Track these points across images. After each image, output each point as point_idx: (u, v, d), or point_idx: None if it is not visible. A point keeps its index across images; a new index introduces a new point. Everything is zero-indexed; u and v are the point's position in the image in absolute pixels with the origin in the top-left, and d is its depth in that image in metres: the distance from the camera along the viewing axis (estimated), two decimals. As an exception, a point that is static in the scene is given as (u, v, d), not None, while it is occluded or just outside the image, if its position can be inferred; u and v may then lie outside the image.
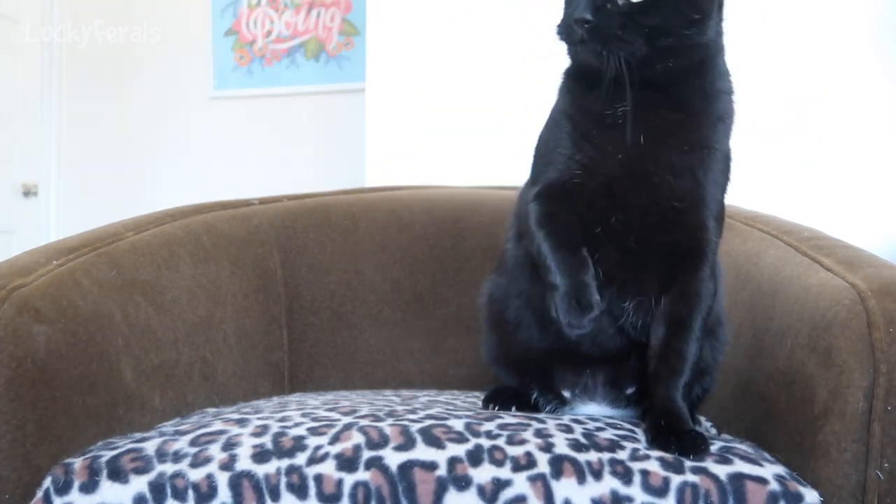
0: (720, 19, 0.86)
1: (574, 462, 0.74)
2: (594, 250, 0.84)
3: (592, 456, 0.75)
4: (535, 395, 0.95)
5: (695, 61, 0.83)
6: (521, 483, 0.72)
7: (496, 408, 0.92)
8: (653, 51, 0.78)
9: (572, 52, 0.83)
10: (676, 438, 0.78)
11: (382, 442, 0.76)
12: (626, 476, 0.73)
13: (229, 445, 0.78)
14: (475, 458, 0.74)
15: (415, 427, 0.79)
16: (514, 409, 0.92)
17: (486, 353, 1.00)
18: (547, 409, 0.94)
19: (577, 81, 0.86)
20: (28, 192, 3.40)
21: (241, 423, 0.83)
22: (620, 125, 0.81)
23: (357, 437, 0.77)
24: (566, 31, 0.81)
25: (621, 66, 0.77)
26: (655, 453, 0.76)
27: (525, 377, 0.95)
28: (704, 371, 0.91)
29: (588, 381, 0.91)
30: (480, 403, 0.97)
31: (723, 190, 0.87)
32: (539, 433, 0.79)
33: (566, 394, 0.93)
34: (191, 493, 0.74)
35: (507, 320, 0.95)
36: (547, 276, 0.83)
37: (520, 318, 0.94)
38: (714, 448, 0.79)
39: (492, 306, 0.98)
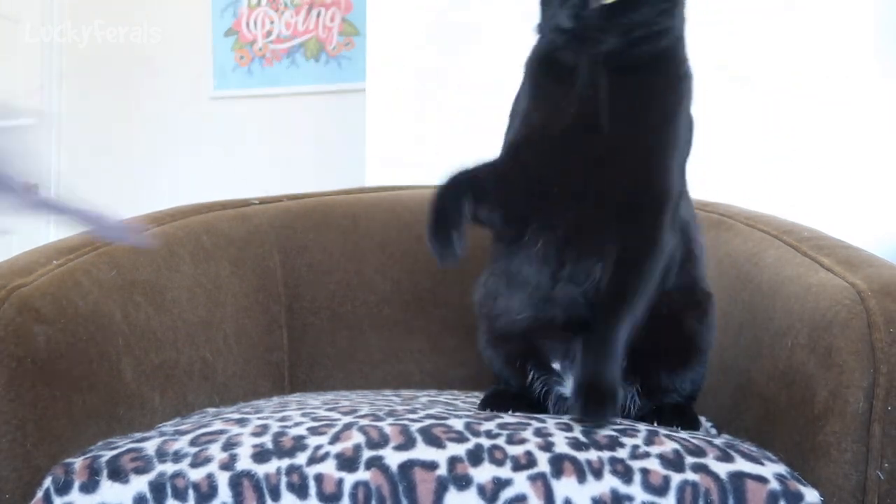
0: (684, 6, 0.90)
1: (574, 461, 0.74)
2: (550, 210, 0.86)
3: (592, 455, 0.75)
4: (531, 374, 0.94)
5: (660, 46, 0.86)
6: (521, 482, 0.72)
7: (493, 411, 0.92)
8: (626, 42, 0.82)
9: (552, 53, 0.88)
10: (582, 401, 0.80)
11: (382, 441, 0.76)
12: (626, 475, 0.73)
13: (229, 445, 0.78)
14: (475, 457, 0.74)
15: (415, 427, 0.79)
16: (510, 411, 0.92)
17: (480, 340, 1.00)
18: (538, 382, 0.94)
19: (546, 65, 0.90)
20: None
21: (242, 422, 0.83)
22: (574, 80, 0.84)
23: (357, 437, 0.77)
24: (547, 35, 0.87)
25: (598, 64, 0.83)
26: (655, 450, 0.76)
27: (516, 357, 0.95)
28: (694, 349, 0.91)
29: (577, 348, 0.89)
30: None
31: (681, 161, 0.89)
32: (539, 432, 0.79)
33: (556, 366, 0.92)
34: (191, 492, 0.74)
35: (492, 299, 0.96)
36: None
37: (499, 291, 0.94)
38: (717, 443, 0.79)
39: (485, 289, 0.98)
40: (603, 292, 0.84)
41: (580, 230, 0.85)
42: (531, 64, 0.91)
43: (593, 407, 0.79)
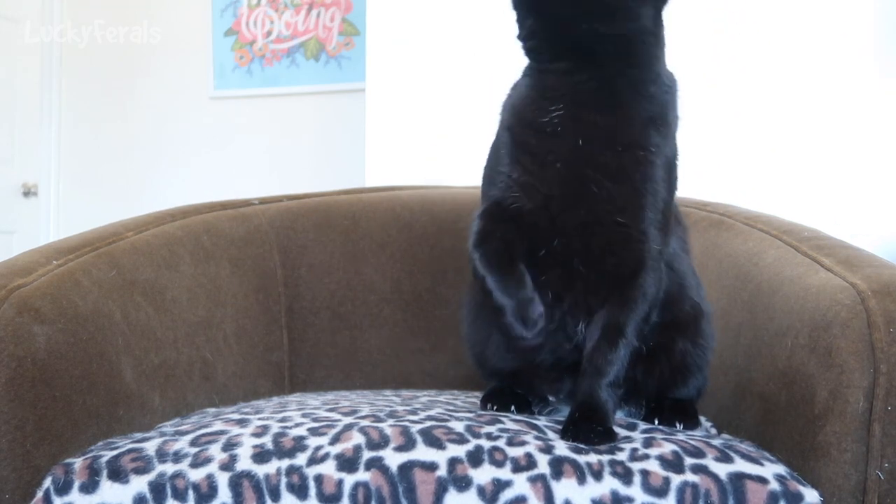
0: (658, 14, 0.86)
1: (574, 463, 0.74)
2: (540, 272, 0.85)
3: (592, 457, 0.75)
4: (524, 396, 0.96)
5: (626, 39, 0.83)
6: (521, 484, 0.72)
7: (494, 408, 0.93)
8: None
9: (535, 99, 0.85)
10: (573, 427, 0.80)
11: (383, 442, 0.76)
12: (626, 476, 0.73)
13: (229, 445, 0.78)
14: (475, 458, 0.74)
15: (415, 428, 0.79)
16: (513, 408, 0.92)
17: (470, 357, 1.01)
18: (537, 410, 0.95)
19: (522, 91, 0.87)
20: (28, 192, 3.41)
21: (242, 423, 0.83)
22: (559, 132, 0.82)
23: (357, 438, 0.77)
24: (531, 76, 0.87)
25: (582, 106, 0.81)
26: (655, 452, 0.76)
27: (509, 384, 0.96)
28: (689, 371, 0.92)
29: (570, 387, 0.90)
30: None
31: (667, 198, 0.85)
32: (539, 436, 0.79)
33: (551, 398, 0.93)
34: (191, 493, 0.74)
35: (480, 336, 0.97)
36: (490, 297, 0.85)
37: (487, 339, 0.96)
38: (715, 444, 0.79)
39: (470, 319, 0.99)
40: (590, 352, 0.85)
41: (568, 288, 0.85)
42: (511, 118, 0.87)
43: (583, 442, 0.79)
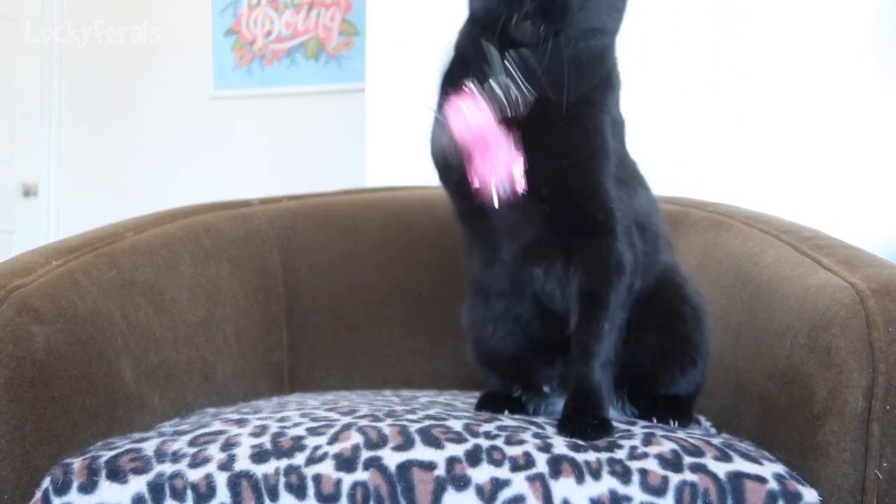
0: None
1: (572, 462, 0.74)
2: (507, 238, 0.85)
3: (591, 456, 0.75)
4: (518, 393, 0.96)
5: (604, 45, 0.84)
6: (519, 483, 0.72)
7: (489, 413, 0.93)
8: (580, 33, 0.79)
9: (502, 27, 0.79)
10: (569, 421, 0.80)
11: (381, 442, 0.76)
12: (624, 475, 0.73)
13: (228, 445, 0.78)
14: (474, 458, 0.74)
15: (414, 427, 0.79)
16: (506, 412, 0.92)
17: (470, 356, 1.01)
18: (531, 405, 0.95)
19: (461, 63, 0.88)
20: (28, 192, 3.41)
21: (241, 423, 0.83)
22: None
23: (356, 438, 0.77)
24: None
25: (549, 48, 0.78)
26: (653, 451, 0.76)
27: (508, 376, 0.96)
28: (688, 342, 0.92)
29: (563, 370, 0.90)
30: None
31: (618, 153, 0.86)
32: (537, 434, 0.79)
33: (545, 388, 0.93)
34: (189, 493, 0.74)
35: (479, 332, 0.97)
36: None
37: (484, 320, 0.96)
38: (715, 443, 0.79)
39: (470, 317, 0.99)
40: (574, 330, 0.84)
41: (539, 254, 0.85)
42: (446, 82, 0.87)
43: (580, 437, 0.79)
